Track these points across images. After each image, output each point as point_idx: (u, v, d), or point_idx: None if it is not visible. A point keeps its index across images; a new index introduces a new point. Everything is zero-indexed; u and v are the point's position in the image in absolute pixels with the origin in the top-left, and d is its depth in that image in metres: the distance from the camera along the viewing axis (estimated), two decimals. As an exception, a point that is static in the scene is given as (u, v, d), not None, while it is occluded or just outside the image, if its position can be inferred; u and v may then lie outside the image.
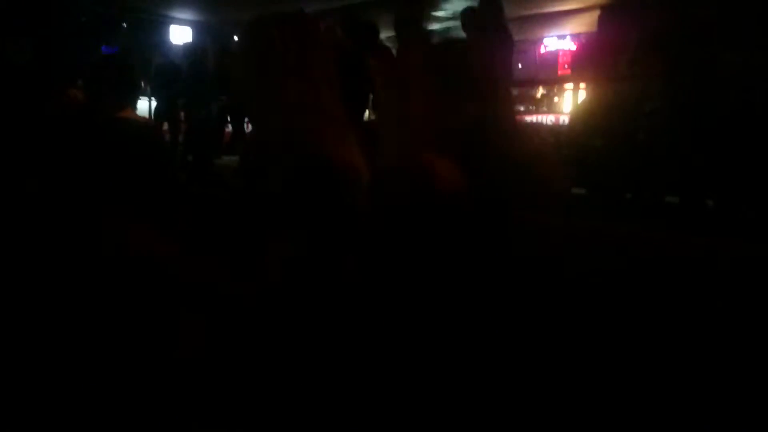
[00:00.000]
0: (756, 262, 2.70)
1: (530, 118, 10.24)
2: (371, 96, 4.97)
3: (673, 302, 2.31)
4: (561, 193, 1.34)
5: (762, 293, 2.38)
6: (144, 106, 8.45)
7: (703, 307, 2.31)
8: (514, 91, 10.65)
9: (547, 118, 10.25)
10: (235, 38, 11.85)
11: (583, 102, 6.03)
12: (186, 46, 10.39)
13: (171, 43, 11.91)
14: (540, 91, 12.67)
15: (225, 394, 1.31)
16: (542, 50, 13.58)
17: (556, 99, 12.26)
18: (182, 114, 8.45)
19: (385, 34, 7.09)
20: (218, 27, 12.38)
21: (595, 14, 10.03)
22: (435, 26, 11.15)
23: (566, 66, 12.49)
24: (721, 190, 4.44)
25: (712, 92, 4.43)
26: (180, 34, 12.31)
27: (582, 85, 7.11)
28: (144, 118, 6.08)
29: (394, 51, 6.07)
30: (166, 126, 8.08)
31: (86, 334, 1.78)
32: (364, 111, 5.20)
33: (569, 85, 11.24)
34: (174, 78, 8.29)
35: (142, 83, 7.68)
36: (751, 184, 4.32)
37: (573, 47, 12.44)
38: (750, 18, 4.70)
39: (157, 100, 8.50)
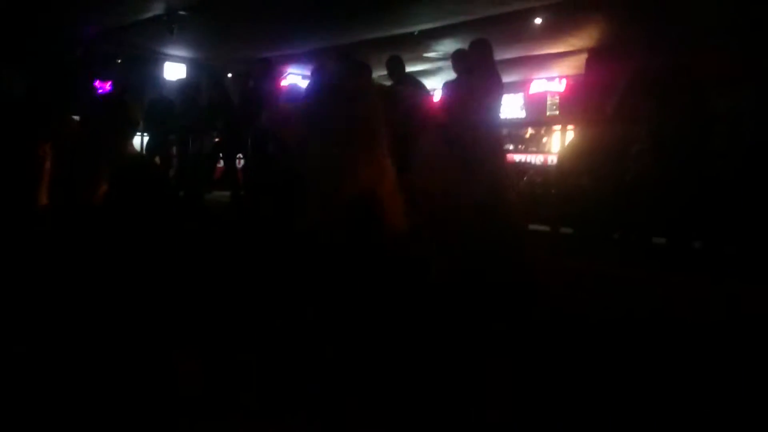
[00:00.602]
0: (742, 302, 2.73)
1: (519, 158, 10.37)
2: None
3: (662, 341, 2.33)
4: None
5: (749, 332, 2.41)
6: (136, 140, 8.48)
7: (693, 346, 2.33)
8: (504, 131, 10.81)
9: (536, 158, 10.37)
10: (230, 75, 11.97)
11: (571, 143, 6.12)
12: (179, 82, 10.49)
13: (165, 79, 12.02)
14: (529, 131, 12.84)
15: None
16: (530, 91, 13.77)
17: (544, 139, 12.42)
18: (174, 149, 8.49)
19: (377, 73, 7.20)
20: (212, 64, 12.51)
21: (582, 58, 10.24)
22: (426, 66, 11.32)
23: (554, 107, 12.67)
24: (707, 232, 4.50)
25: (698, 135, 4.50)
26: (174, 71, 12.42)
27: (570, 126, 7.23)
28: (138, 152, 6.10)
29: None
30: (157, 160, 8.12)
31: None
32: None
33: (557, 126, 11.41)
34: (167, 114, 8.36)
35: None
36: (737, 225, 4.38)
37: (561, 89, 12.62)
38: (735, 64, 4.82)
39: (149, 135, 8.55)
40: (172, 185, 7.84)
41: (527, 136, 12.80)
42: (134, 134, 2.28)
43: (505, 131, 11.36)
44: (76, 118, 3.63)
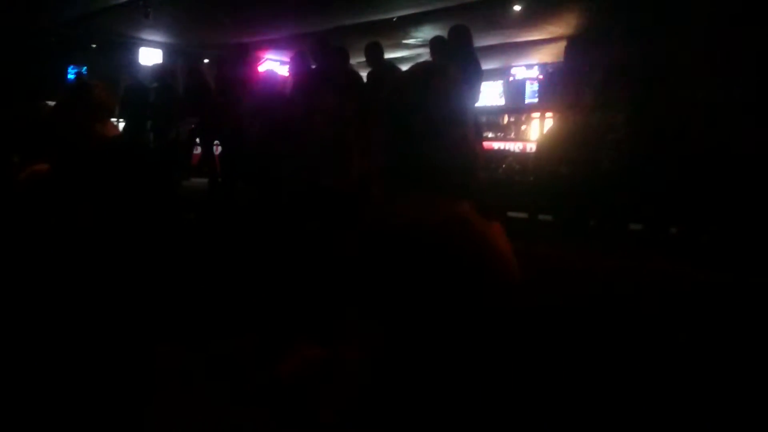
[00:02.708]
0: (715, 289, 2.76)
1: (498, 145, 10.39)
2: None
3: (634, 328, 2.35)
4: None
5: (722, 319, 2.44)
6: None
7: (665, 334, 2.36)
8: (482, 119, 10.83)
9: (515, 146, 10.40)
10: (206, 61, 11.84)
11: (549, 130, 6.14)
12: (155, 67, 10.35)
13: (140, 64, 11.85)
14: (507, 119, 12.88)
15: None
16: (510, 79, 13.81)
17: (523, 126, 12.46)
18: (151, 135, 8.39)
19: (356, 60, 7.16)
20: (188, 50, 12.38)
21: (561, 45, 10.27)
22: (405, 53, 11.29)
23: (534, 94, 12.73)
24: (683, 218, 4.54)
25: (675, 123, 4.53)
26: (150, 56, 12.25)
27: (548, 113, 7.25)
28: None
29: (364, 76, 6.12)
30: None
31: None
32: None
33: (536, 114, 11.44)
34: (143, 100, 8.25)
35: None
36: (712, 212, 4.42)
37: (540, 76, 12.67)
38: (712, 52, 4.83)
39: (126, 122, 8.43)
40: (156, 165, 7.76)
41: (506, 123, 12.84)
42: (107, 116, 2.22)
43: (484, 118, 11.39)
44: (51, 103, 3.58)
